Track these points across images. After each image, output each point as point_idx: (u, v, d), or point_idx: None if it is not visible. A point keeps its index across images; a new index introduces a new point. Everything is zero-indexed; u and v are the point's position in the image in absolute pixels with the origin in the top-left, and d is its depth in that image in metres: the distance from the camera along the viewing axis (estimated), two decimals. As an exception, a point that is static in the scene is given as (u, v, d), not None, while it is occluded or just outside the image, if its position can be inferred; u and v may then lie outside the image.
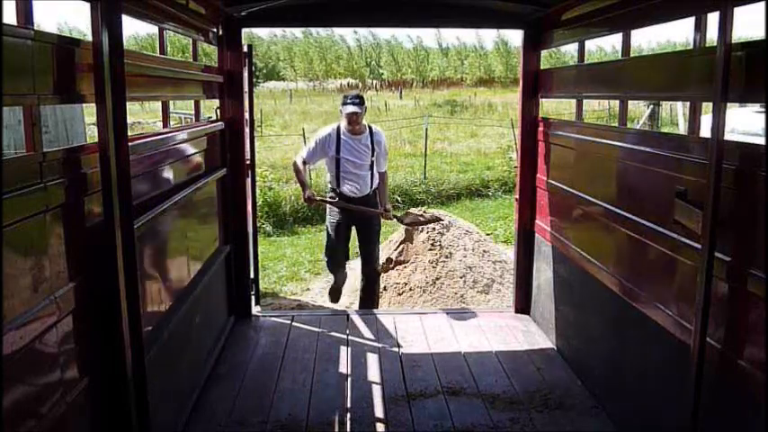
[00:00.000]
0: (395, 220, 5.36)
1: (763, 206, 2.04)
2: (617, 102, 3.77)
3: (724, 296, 2.28)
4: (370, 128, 5.16)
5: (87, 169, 2.20)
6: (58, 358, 1.99)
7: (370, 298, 5.41)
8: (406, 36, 55.45)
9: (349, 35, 55.69)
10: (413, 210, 6.13)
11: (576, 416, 3.39)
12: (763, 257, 2.03)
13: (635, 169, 3.11)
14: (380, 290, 5.69)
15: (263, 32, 52.35)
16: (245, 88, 4.65)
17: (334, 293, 5.66)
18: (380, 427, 3.34)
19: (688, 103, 3.13)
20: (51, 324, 1.93)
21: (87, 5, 2.16)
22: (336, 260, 5.37)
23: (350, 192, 5.07)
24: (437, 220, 5.77)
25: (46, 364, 1.93)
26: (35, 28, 1.91)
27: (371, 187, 5.12)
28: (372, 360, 4.12)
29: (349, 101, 5.00)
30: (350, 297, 6.10)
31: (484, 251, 6.27)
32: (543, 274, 4.50)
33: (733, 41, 2.16)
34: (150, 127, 17.14)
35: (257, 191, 7.68)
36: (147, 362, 2.41)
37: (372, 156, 5.07)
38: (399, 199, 10.63)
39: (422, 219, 5.62)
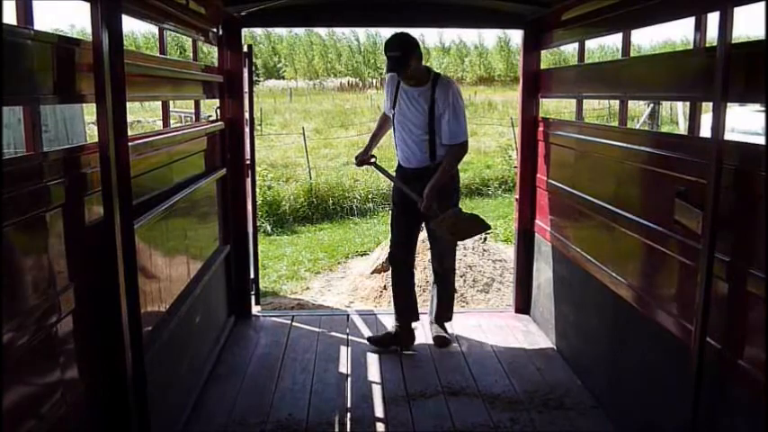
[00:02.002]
0: (434, 216, 3.89)
1: (763, 206, 2.04)
2: (617, 101, 3.78)
3: (724, 296, 2.28)
4: (436, 77, 3.91)
5: (87, 169, 2.21)
6: (58, 358, 1.99)
7: (442, 303, 4.29)
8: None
9: (350, 33, 55.67)
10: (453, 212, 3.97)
11: (575, 416, 3.39)
12: (763, 257, 2.03)
13: (635, 169, 3.11)
14: (454, 294, 4.49)
15: (263, 31, 52.33)
16: (245, 88, 4.65)
17: (401, 328, 4.18)
18: (380, 427, 3.34)
19: (688, 103, 3.13)
20: (51, 324, 1.93)
21: (87, 5, 2.16)
22: (395, 253, 4.16)
23: (401, 160, 4.04)
24: (485, 227, 4.16)
25: (46, 365, 1.93)
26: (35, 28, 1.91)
27: (431, 160, 3.90)
28: (372, 360, 4.11)
29: (389, 50, 3.80)
30: (350, 296, 6.11)
31: (484, 250, 6.28)
32: (543, 273, 4.49)
33: (733, 41, 2.16)
34: (150, 126, 17.15)
35: (257, 190, 7.69)
36: (147, 362, 2.41)
37: (431, 117, 3.84)
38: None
39: (471, 229, 4.12)
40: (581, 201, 3.71)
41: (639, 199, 3.07)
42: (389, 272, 5.49)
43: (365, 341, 4.38)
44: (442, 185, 3.88)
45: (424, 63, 4.05)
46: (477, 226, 4.06)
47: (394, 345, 4.22)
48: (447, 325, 4.42)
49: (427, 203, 3.85)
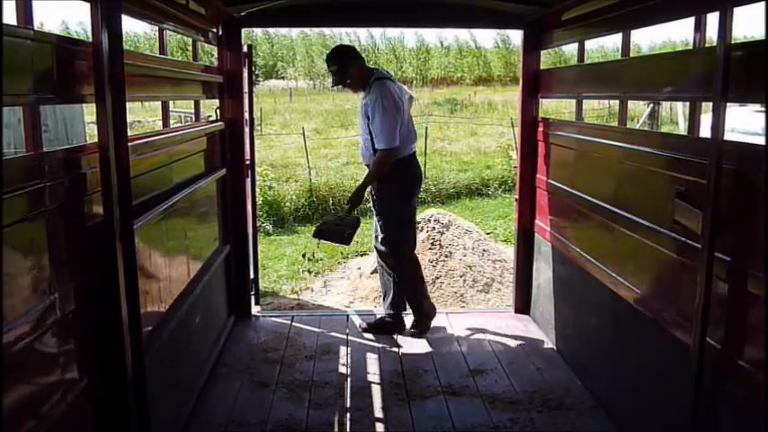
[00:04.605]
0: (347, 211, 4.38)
1: (763, 206, 2.04)
2: (617, 101, 3.78)
3: (724, 296, 2.29)
4: (374, 82, 4.13)
5: (87, 169, 2.21)
6: (58, 358, 1.99)
7: (392, 295, 4.43)
8: (411, 34, 55.36)
9: (352, 33, 55.61)
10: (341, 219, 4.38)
11: (575, 416, 3.39)
12: (763, 257, 2.03)
13: (635, 169, 3.11)
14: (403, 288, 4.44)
15: (262, 31, 52.23)
16: (245, 88, 4.65)
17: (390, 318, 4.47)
18: (380, 427, 3.34)
19: (688, 103, 3.14)
20: (51, 324, 1.93)
21: (87, 6, 2.16)
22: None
23: (360, 157, 4.49)
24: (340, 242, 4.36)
25: (46, 365, 1.93)
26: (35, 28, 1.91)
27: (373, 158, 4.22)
28: (372, 360, 4.12)
29: (328, 66, 4.22)
30: (350, 296, 6.10)
31: (484, 250, 6.27)
32: (543, 274, 4.50)
33: (733, 41, 2.16)
34: (150, 126, 17.15)
35: (257, 190, 7.68)
36: (146, 362, 2.41)
37: (368, 121, 4.12)
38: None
39: (332, 237, 4.29)
40: (581, 201, 3.71)
41: (639, 199, 3.07)
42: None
43: (365, 341, 4.39)
44: (367, 185, 4.26)
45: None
46: (336, 236, 4.27)
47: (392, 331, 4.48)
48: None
49: (350, 205, 4.33)
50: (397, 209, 4.31)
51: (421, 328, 4.48)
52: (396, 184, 4.25)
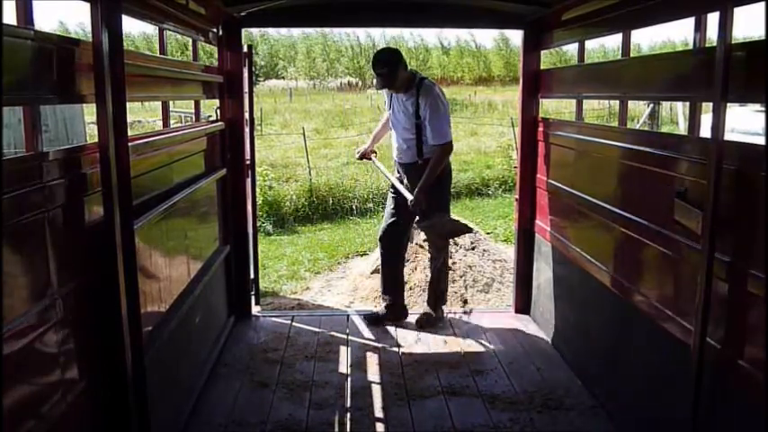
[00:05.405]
0: (422, 217, 4.33)
1: (763, 206, 2.04)
2: (617, 101, 3.78)
3: (724, 296, 2.29)
4: (420, 83, 4.26)
5: (87, 169, 2.21)
6: (58, 358, 1.99)
7: (430, 287, 4.69)
8: (409, 33, 55.41)
9: (351, 32, 55.67)
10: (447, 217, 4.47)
11: (575, 416, 3.39)
12: (763, 257, 2.03)
13: (635, 169, 3.11)
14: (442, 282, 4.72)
15: (260, 31, 52.28)
16: (245, 88, 4.65)
17: (392, 303, 4.65)
18: (380, 427, 3.34)
19: (688, 103, 3.13)
20: (51, 324, 1.93)
21: (87, 6, 2.16)
22: (383, 235, 4.60)
23: (395, 155, 4.52)
24: (468, 230, 4.69)
25: (46, 365, 1.93)
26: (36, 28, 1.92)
27: (418, 156, 4.34)
28: (372, 360, 4.12)
29: (376, 69, 4.27)
30: (350, 296, 6.10)
31: (484, 250, 6.27)
32: (543, 274, 4.50)
33: (733, 41, 2.16)
34: (151, 125, 17.15)
35: (257, 190, 7.68)
36: (146, 362, 2.41)
37: (417, 119, 4.25)
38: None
39: (456, 232, 4.60)
40: (581, 201, 3.71)
41: (639, 199, 3.07)
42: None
43: (365, 341, 4.39)
44: (429, 186, 4.26)
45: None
46: (461, 229, 4.51)
47: (387, 319, 4.65)
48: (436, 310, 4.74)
49: (416, 203, 4.25)
50: (447, 200, 4.60)
51: (440, 314, 4.73)
52: (445, 179, 4.49)
